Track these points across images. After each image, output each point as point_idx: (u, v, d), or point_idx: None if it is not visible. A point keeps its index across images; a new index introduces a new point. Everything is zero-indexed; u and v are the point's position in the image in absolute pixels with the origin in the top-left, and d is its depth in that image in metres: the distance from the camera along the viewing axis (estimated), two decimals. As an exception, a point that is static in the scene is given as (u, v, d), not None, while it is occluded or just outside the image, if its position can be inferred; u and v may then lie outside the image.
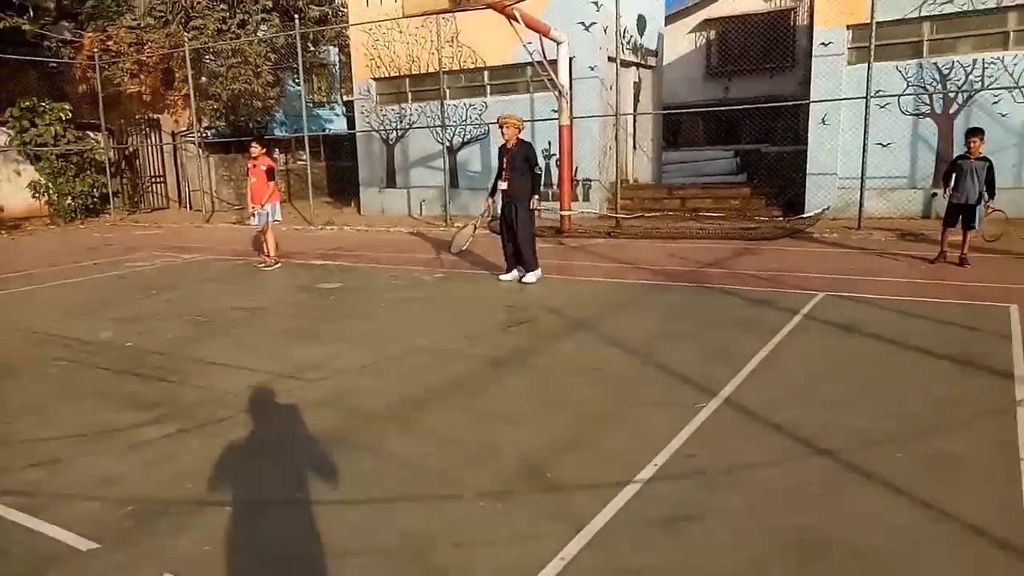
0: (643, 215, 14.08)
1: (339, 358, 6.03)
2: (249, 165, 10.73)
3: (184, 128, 20.76)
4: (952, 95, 11.75)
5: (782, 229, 11.62)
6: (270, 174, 10.60)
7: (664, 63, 18.39)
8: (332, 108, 25.88)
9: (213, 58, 19.56)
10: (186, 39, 17.98)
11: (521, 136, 8.67)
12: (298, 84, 18.66)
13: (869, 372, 5.23)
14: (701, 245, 11.02)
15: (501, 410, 4.74)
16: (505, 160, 8.59)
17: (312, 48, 21.69)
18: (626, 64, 15.33)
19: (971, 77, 11.58)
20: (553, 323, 6.98)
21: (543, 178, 15.22)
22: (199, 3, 19.26)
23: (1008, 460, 3.70)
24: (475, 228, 10.07)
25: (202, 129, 19.98)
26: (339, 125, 25.87)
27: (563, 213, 12.82)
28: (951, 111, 11.82)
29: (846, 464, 3.76)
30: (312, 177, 17.38)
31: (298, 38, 16.34)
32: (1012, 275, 7.92)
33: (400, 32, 16.43)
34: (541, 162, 15.34)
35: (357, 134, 18.12)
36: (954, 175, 8.58)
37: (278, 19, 20.01)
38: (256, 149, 10.61)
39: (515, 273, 8.88)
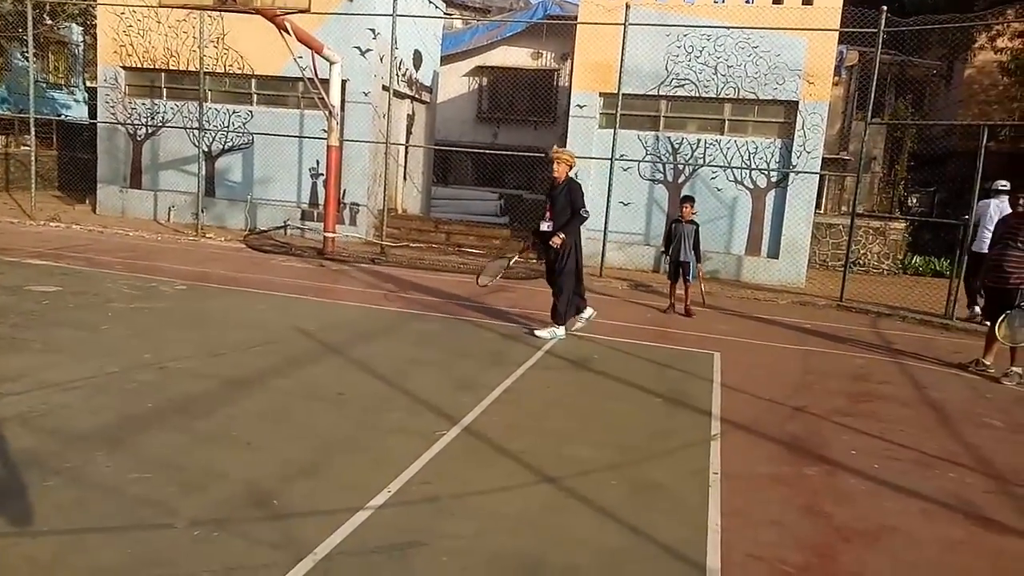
0: (408, 245, 14.18)
1: (44, 371, 5.27)
2: None
3: None
4: (681, 167, 13.42)
5: (536, 271, 12.35)
6: None
7: (439, 101, 18.89)
8: (72, 93, 23.02)
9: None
10: None
11: (569, 174, 7.90)
12: (27, 59, 16.29)
13: (596, 405, 5.71)
14: (462, 279, 11.34)
15: (231, 434, 4.43)
16: (550, 200, 7.89)
17: (49, 21, 19.17)
18: (400, 95, 15.51)
19: (696, 153, 13.33)
20: (303, 345, 6.71)
21: (312, 197, 14.85)
22: None
23: (700, 488, 4.21)
24: (510, 261, 8.59)
25: None
26: (79, 112, 23.03)
27: (327, 234, 12.50)
28: (679, 180, 13.49)
29: (567, 490, 4.03)
30: (39, 167, 15.17)
31: (29, 7, 14.32)
32: (719, 327, 9.14)
33: (158, 22, 15.10)
34: (324, 184, 14.90)
35: (99, 125, 16.19)
36: (672, 236, 9.75)
37: (7, -18, 17.48)
38: None
39: (589, 310, 8.14)
